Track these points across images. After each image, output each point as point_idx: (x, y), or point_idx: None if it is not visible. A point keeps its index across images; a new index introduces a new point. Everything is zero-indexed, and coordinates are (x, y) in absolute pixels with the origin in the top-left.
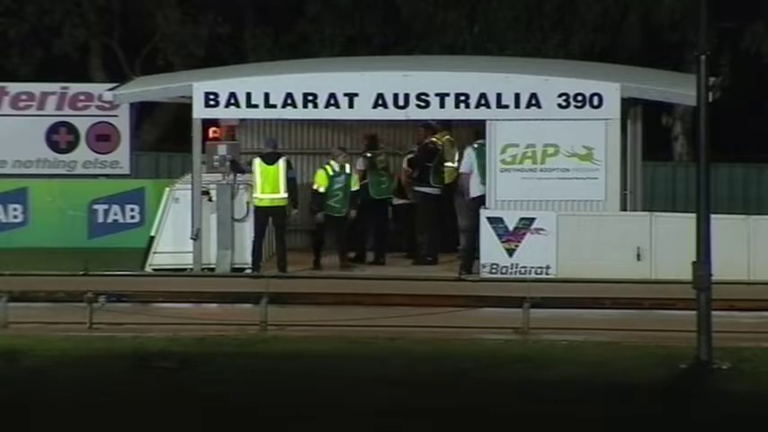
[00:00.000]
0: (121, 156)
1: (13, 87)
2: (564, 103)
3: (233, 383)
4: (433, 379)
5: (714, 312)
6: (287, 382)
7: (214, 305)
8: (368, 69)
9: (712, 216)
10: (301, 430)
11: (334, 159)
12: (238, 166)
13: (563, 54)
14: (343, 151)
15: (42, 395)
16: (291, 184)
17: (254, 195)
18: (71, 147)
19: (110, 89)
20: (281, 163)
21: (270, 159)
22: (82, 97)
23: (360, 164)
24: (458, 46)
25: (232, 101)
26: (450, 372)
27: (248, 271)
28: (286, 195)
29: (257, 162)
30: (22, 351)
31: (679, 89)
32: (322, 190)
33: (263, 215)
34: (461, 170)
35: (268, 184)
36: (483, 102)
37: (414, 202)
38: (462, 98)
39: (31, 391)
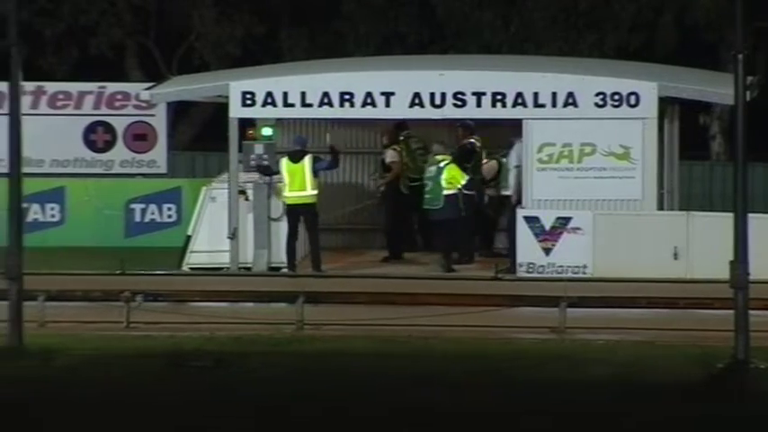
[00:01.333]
0: (158, 155)
1: (51, 87)
2: (601, 103)
3: (268, 382)
4: (468, 378)
5: (751, 312)
6: (322, 381)
7: (250, 304)
8: (404, 68)
9: (749, 215)
10: (336, 429)
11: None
12: (268, 170)
13: (598, 53)
14: (442, 144)
15: (78, 394)
16: (319, 173)
17: (283, 194)
18: (108, 146)
19: (146, 88)
20: (307, 160)
21: (295, 157)
22: (119, 97)
23: (391, 156)
24: (494, 45)
25: (269, 100)
26: (484, 371)
27: (284, 270)
28: (314, 193)
29: (284, 161)
30: (59, 350)
31: (716, 88)
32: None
33: (292, 213)
34: (514, 164)
35: (295, 182)
36: (520, 101)
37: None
38: (499, 97)
39: (68, 389)
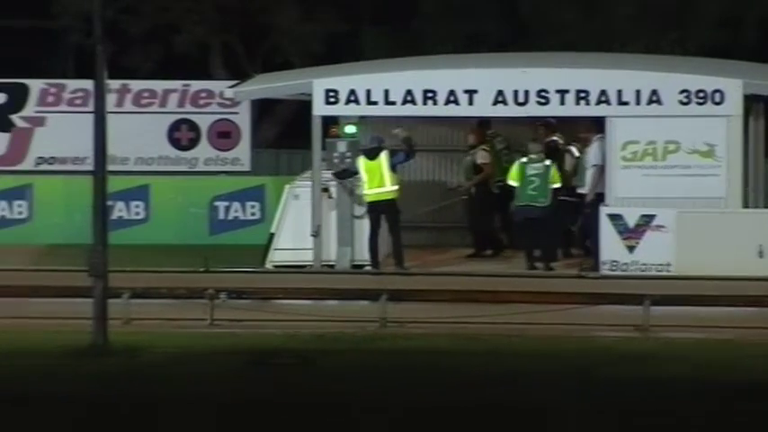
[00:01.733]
0: (242, 153)
1: (136, 85)
2: (685, 100)
3: (351, 380)
4: (550, 376)
5: None
6: (405, 379)
7: (333, 302)
8: (488, 66)
9: None
10: (419, 426)
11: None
12: (346, 173)
13: (680, 51)
14: (536, 142)
15: (162, 391)
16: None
17: (363, 192)
18: (192, 144)
19: (231, 86)
20: (383, 156)
21: (371, 155)
22: (203, 94)
23: (483, 157)
24: (576, 43)
25: (352, 98)
26: (567, 369)
27: (368, 268)
28: (394, 188)
29: (360, 160)
30: (143, 347)
31: None
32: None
33: (374, 211)
34: (595, 162)
35: (374, 179)
36: (603, 98)
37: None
38: (582, 95)
39: (152, 387)
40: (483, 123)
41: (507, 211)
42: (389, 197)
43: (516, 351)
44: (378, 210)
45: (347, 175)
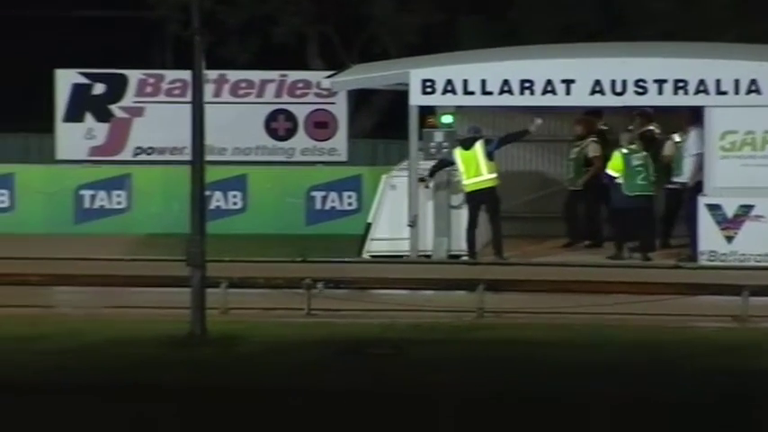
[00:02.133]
0: (339, 143)
1: (233, 75)
2: None
3: (447, 370)
4: (648, 367)
5: None
6: (502, 370)
7: (430, 292)
8: (585, 56)
9: None
10: (514, 417)
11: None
12: (444, 163)
13: None
14: (629, 132)
15: (260, 381)
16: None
17: (462, 182)
18: (290, 134)
19: (327, 77)
20: (478, 146)
21: (467, 144)
22: (300, 85)
23: (594, 150)
24: (673, 32)
25: (449, 88)
26: (665, 359)
27: (464, 258)
28: (492, 176)
29: (457, 151)
30: (241, 337)
31: None
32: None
33: (472, 201)
34: (695, 151)
35: (470, 169)
36: (702, 88)
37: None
38: (681, 84)
39: (250, 376)
40: (592, 114)
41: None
42: (488, 186)
43: (614, 342)
44: (477, 199)
45: (444, 164)
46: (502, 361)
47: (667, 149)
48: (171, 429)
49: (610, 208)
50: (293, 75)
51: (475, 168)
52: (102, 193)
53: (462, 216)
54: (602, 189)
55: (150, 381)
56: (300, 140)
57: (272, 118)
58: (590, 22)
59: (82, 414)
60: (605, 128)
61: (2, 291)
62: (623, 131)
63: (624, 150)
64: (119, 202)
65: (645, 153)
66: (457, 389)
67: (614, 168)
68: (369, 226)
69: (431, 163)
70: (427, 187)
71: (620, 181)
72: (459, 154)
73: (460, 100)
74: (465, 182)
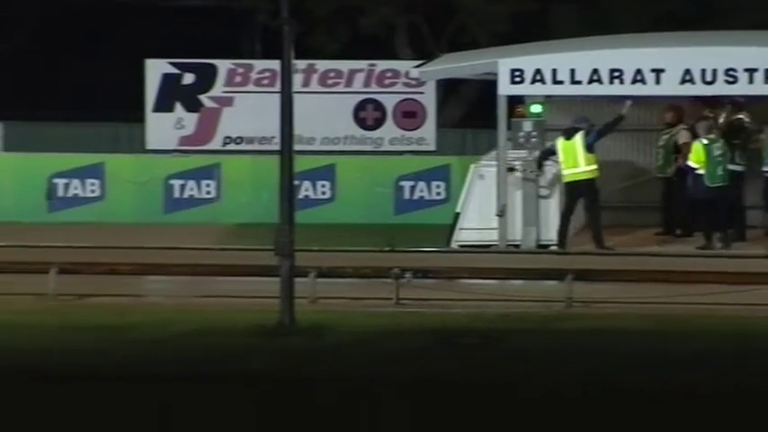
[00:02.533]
0: (427, 132)
1: (322, 65)
2: None
3: (536, 360)
4: (738, 356)
5: None
6: (589, 360)
7: (519, 282)
8: (675, 45)
9: None
10: (602, 408)
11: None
12: (547, 153)
13: None
14: (706, 121)
15: (348, 370)
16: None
17: (562, 172)
18: (378, 123)
19: (416, 66)
20: (578, 137)
21: (569, 134)
22: (389, 74)
23: (684, 137)
24: (764, 21)
25: (537, 77)
26: (755, 349)
27: (553, 247)
28: (590, 168)
29: (559, 140)
30: (330, 326)
31: None
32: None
33: (569, 191)
34: None
35: (569, 159)
36: None
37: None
38: None
39: (339, 366)
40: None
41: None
42: (586, 177)
43: (703, 332)
44: (574, 190)
45: (547, 155)
46: (590, 351)
47: (762, 141)
48: (262, 418)
49: (690, 199)
50: (382, 64)
51: (573, 159)
52: (191, 183)
53: (551, 205)
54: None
55: (240, 370)
56: (389, 130)
57: (360, 107)
58: (681, 12)
59: (172, 402)
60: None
61: (91, 280)
62: (699, 120)
63: (704, 141)
64: (208, 192)
65: (722, 143)
66: (545, 379)
67: (695, 160)
68: (457, 215)
69: (519, 153)
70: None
71: (701, 172)
72: (560, 144)
73: (549, 89)
74: (563, 172)
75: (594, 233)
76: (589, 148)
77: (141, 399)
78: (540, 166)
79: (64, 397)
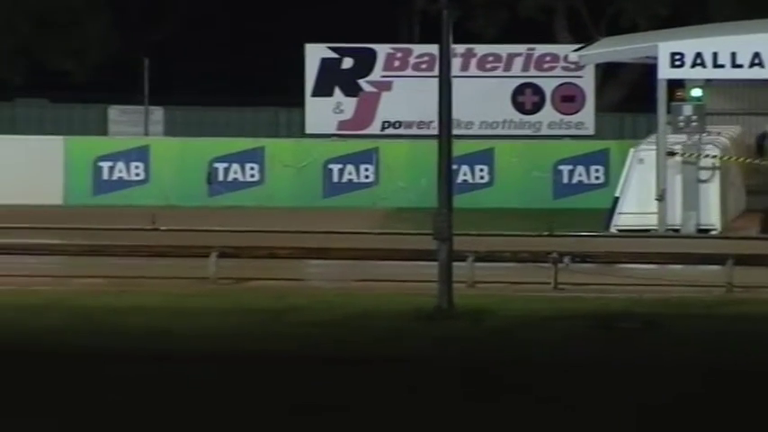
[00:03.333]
0: (586, 117)
1: (480, 49)
2: None
3: (697, 345)
4: None
5: None
6: (749, 344)
7: (678, 267)
8: None
9: None
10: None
11: None
12: (763, 138)
13: None
14: None
15: (508, 354)
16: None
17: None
18: (536, 108)
19: (575, 50)
20: None
21: None
22: (548, 58)
23: None
24: None
25: (698, 61)
26: None
27: (714, 232)
28: None
29: None
30: (488, 311)
31: None
32: None
33: None
34: None
35: None
36: None
37: None
38: None
39: (498, 350)
40: None
41: None
42: None
43: None
44: None
45: (763, 138)
46: (750, 335)
47: None
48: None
49: None
50: (541, 48)
51: None
52: (349, 167)
53: (711, 190)
54: None
55: (402, 354)
56: (547, 114)
57: (518, 92)
58: None
59: (331, 383)
60: None
61: (251, 264)
62: None
63: None
64: (366, 176)
65: None
66: (705, 363)
67: None
68: (616, 200)
69: (679, 137)
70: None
71: None
72: None
73: (710, 73)
74: None
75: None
76: None
77: (307, 381)
78: (759, 149)
79: (232, 378)
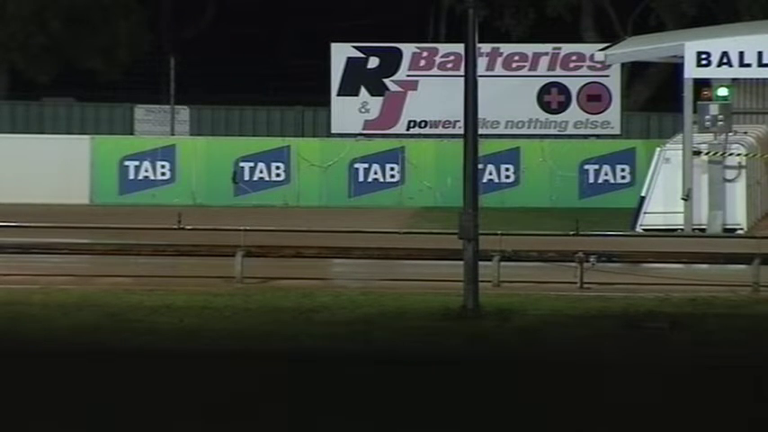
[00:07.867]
0: (612, 116)
1: (506, 48)
2: None
3: (725, 345)
4: None
5: None
6: None
7: (705, 266)
8: None
9: None
10: None
11: None
12: None
13: None
14: None
15: (537, 354)
16: None
17: None
18: (562, 107)
19: (601, 49)
20: None
21: None
22: (573, 57)
23: None
24: None
25: (724, 60)
26: None
27: (740, 231)
28: None
29: None
30: (514, 310)
31: None
32: None
33: None
34: None
35: None
36: None
37: None
38: None
39: (525, 349)
40: None
41: None
42: None
43: None
44: None
45: None
46: None
47: None
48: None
49: None
50: (566, 47)
51: None
52: (375, 167)
53: (737, 189)
54: None
55: (429, 353)
56: (573, 113)
57: (544, 91)
58: None
59: (357, 382)
60: None
61: (277, 263)
62: None
63: None
64: (392, 176)
65: None
66: (733, 362)
67: None
68: (642, 199)
69: (705, 137)
70: (705, 161)
71: None
72: None
73: (736, 72)
74: None
75: None
76: None
77: (333, 380)
78: None
79: (256, 377)
